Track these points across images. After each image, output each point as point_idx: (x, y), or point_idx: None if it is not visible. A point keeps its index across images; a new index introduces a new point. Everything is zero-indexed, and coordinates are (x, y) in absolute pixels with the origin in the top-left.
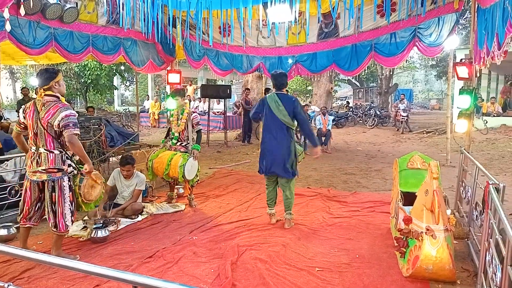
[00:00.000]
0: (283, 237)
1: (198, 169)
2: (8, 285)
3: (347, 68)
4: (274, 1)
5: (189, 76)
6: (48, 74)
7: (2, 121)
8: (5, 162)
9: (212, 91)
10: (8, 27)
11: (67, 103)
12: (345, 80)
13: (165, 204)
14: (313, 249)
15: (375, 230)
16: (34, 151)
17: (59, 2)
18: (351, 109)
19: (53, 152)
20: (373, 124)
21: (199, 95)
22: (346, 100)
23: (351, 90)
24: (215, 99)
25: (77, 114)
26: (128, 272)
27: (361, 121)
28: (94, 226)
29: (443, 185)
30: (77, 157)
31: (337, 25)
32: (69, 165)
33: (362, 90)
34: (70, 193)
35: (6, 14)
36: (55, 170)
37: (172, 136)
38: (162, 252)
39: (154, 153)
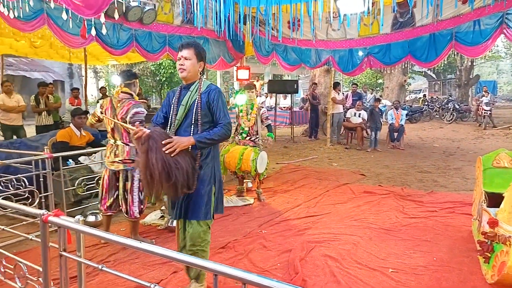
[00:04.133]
0: (353, 235)
1: (267, 163)
2: (102, 267)
3: (424, 59)
4: None
5: (256, 72)
6: (130, 73)
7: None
8: (93, 154)
9: (279, 86)
10: (104, 30)
11: (140, 101)
12: (420, 72)
13: (235, 198)
14: (386, 250)
15: (455, 232)
16: (112, 143)
17: (139, 5)
18: (426, 103)
19: (128, 145)
20: (451, 119)
21: (265, 91)
22: (423, 93)
23: (426, 83)
24: (281, 94)
25: (145, 112)
26: (210, 261)
27: (437, 116)
28: (171, 216)
29: None
30: None
31: (414, 14)
32: None
33: (438, 82)
34: (140, 183)
35: (102, 18)
36: (130, 161)
37: (241, 131)
38: (233, 244)
39: (225, 148)
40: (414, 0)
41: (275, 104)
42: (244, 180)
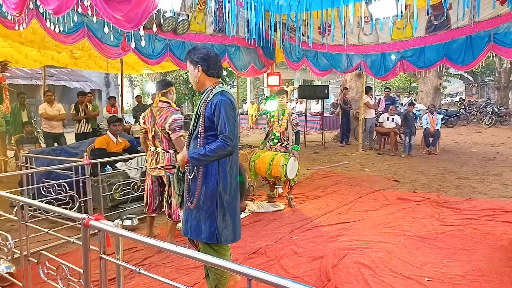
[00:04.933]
0: (387, 243)
1: (298, 169)
2: (139, 269)
3: (460, 62)
4: None
5: (286, 77)
6: (166, 82)
7: (124, 124)
8: (130, 160)
9: (310, 91)
10: (143, 43)
11: (177, 108)
12: (457, 74)
13: (266, 203)
14: (422, 258)
15: (495, 241)
16: (153, 150)
17: (173, 15)
18: (463, 107)
19: (168, 152)
20: (490, 123)
21: (295, 96)
22: (459, 96)
23: (462, 86)
24: (312, 100)
25: (183, 118)
26: (244, 266)
27: (475, 120)
28: None
29: None
30: None
31: (449, 16)
32: None
33: (476, 85)
34: None
35: (141, 31)
36: (170, 167)
37: (272, 137)
38: (264, 249)
39: (255, 153)
40: (450, 1)
41: (306, 109)
42: (275, 186)
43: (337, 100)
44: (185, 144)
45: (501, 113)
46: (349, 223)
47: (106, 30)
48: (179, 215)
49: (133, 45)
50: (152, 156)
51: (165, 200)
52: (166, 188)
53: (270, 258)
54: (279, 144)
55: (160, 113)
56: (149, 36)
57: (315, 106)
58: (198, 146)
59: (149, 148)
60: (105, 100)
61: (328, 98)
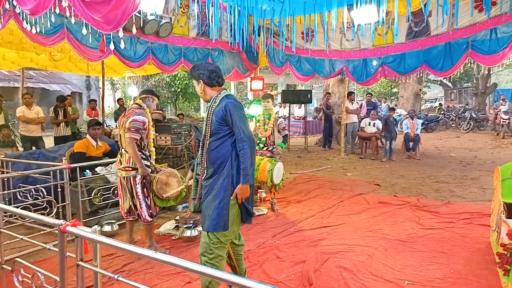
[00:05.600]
0: (368, 246)
1: (283, 174)
2: (118, 277)
3: (439, 68)
4: (360, 2)
5: (269, 82)
6: (150, 90)
7: (105, 127)
8: (110, 165)
9: (293, 96)
10: (122, 45)
11: (143, 110)
12: (436, 80)
13: None
14: (402, 261)
15: (473, 244)
16: (120, 151)
17: (156, 18)
18: (442, 112)
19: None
20: (468, 128)
21: (279, 100)
22: (438, 102)
23: (442, 91)
24: (295, 104)
25: (146, 121)
26: (224, 272)
27: (454, 125)
28: (185, 226)
29: None
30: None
31: (429, 23)
32: (145, 165)
33: (455, 91)
34: (144, 189)
35: (121, 33)
36: (130, 169)
37: (258, 141)
38: (247, 254)
39: None
40: (429, 9)
41: (289, 113)
42: (259, 191)
43: (320, 104)
44: (200, 147)
45: (478, 118)
46: (331, 227)
47: (84, 31)
48: (145, 215)
49: (112, 47)
50: (119, 157)
51: (131, 201)
52: (129, 190)
53: (252, 263)
54: (265, 148)
55: (128, 113)
56: (131, 39)
57: (298, 110)
58: (213, 148)
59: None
60: (86, 103)
61: (311, 102)
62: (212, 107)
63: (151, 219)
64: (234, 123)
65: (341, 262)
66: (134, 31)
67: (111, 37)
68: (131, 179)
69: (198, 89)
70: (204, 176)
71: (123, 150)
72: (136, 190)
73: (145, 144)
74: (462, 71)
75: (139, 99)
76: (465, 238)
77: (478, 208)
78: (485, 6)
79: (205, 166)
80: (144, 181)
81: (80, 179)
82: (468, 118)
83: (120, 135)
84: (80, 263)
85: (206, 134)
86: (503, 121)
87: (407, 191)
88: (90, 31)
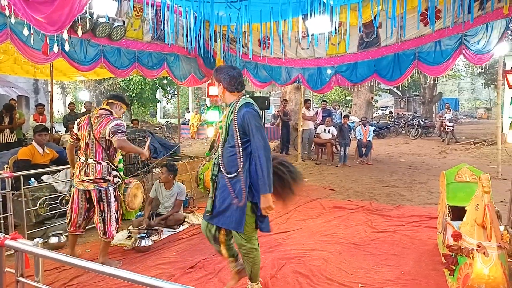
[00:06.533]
0: (323, 251)
1: None
2: None
3: (389, 78)
4: (314, 12)
5: None
6: (120, 96)
7: (53, 133)
8: (58, 173)
9: None
10: (67, 47)
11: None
12: (386, 89)
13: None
14: (356, 264)
15: (421, 245)
16: (83, 161)
17: (108, 21)
18: (392, 119)
19: (100, 163)
20: (416, 135)
21: None
22: (389, 110)
23: (392, 100)
24: None
25: (125, 126)
26: (177, 284)
27: (403, 132)
28: (138, 236)
29: (495, 199)
30: (121, 166)
31: (379, 34)
32: (115, 176)
33: (404, 99)
34: (116, 202)
35: (65, 35)
36: (102, 181)
37: (217, 148)
38: (203, 263)
39: (203, 166)
40: (379, 21)
41: None
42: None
43: (278, 111)
44: (219, 151)
45: (426, 125)
46: (287, 232)
47: (25, 32)
48: (113, 232)
49: (55, 49)
50: (81, 167)
51: (98, 217)
52: (96, 203)
53: (208, 271)
54: None
55: (100, 119)
56: (81, 41)
57: None
58: (236, 154)
59: (78, 158)
60: (33, 107)
61: (269, 109)
62: (232, 113)
63: (114, 235)
64: (251, 132)
65: (297, 267)
66: (80, 33)
67: (56, 39)
68: (103, 191)
69: (218, 91)
70: (221, 178)
71: (91, 160)
72: (109, 203)
73: (114, 154)
74: (410, 81)
75: (106, 104)
76: (414, 240)
77: (426, 211)
78: (430, 20)
79: (223, 168)
80: (115, 193)
81: (24, 188)
82: (416, 125)
83: (87, 143)
84: (21, 278)
85: (224, 139)
86: (448, 128)
87: (360, 195)
88: (32, 32)
